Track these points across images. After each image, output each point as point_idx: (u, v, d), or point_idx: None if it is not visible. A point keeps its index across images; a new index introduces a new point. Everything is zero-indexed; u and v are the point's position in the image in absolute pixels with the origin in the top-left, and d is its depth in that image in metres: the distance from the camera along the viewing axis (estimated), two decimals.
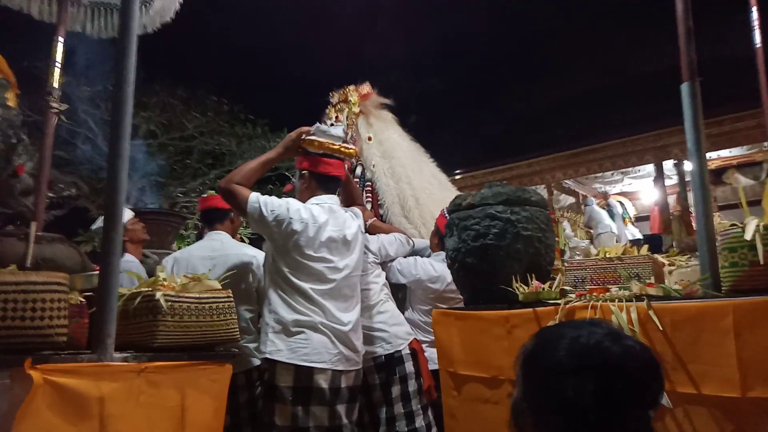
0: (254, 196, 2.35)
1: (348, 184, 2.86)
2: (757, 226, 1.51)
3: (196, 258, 2.74)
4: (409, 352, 2.76)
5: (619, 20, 9.78)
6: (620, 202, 8.33)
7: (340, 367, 2.25)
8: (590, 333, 0.93)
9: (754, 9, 3.57)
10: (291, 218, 2.30)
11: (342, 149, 2.53)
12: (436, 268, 3.06)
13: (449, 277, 2.94)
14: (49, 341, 1.40)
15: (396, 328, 2.79)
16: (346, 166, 3.50)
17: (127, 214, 3.42)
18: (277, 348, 2.20)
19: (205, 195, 3.01)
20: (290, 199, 2.42)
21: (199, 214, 3.27)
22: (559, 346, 0.93)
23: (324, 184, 2.52)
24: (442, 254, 3.12)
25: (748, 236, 1.51)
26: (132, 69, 1.71)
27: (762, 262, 1.49)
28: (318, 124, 2.53)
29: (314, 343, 2.20)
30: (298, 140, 2.49)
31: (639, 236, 7.70)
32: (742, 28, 3.84)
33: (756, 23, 3.59)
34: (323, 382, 2.19)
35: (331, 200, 2.50)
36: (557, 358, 0.92)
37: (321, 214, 2.38)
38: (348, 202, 2.85)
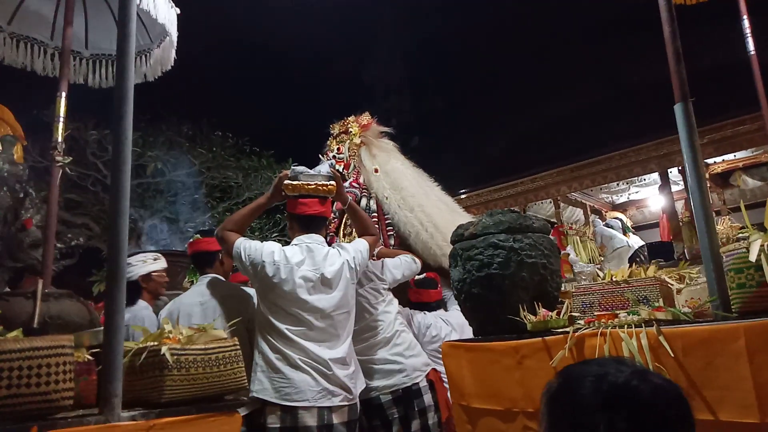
0: (238, 242, 2.42)
1: (355, 215, 2.82)
2: (762, 246, 1.49)
3: (187, 305, 2.70)
4: (426, 384, 2.73)
5: (617, 32, 9.85)
6: (617, 218, 8.34)
7: (326, 404, 2.22)
8: (617, 371, 0.93)
9: (745, 18, 3.59)
10: (264, 261, 2.34)
11: (319, 188, 2.55)
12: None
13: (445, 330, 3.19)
14: (55, 406, 1.40)
15: (413, 360, 2.76)
16: (351, 197, 3.51)
17: (161, 264, 3.33)
18: (263, 387, 2.22)
19: (192, 239, 2.96)
20: (267, 243, 2.46)
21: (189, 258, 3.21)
22: (585, 384, 0.93)
23: (303, 224, 2.55)
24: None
25: (752, 257, 1.48)
26: (129, 126, 1.73)
27: None
28: (294, 167, 2.58)
29: (295, 382, 2.21)
30: (279, 185, 2.55)
31: (642, 242, 7.74)
32: (737, 35, 3.86)
33: (748, 31, 3.61)
34: (310, 420, 2.19)
35: (311, 239, 2.50)
36: (586, 396, 0.92)
37: (295, 255, 2.39)
38: (360, 231, 2.82)
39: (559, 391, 0.99)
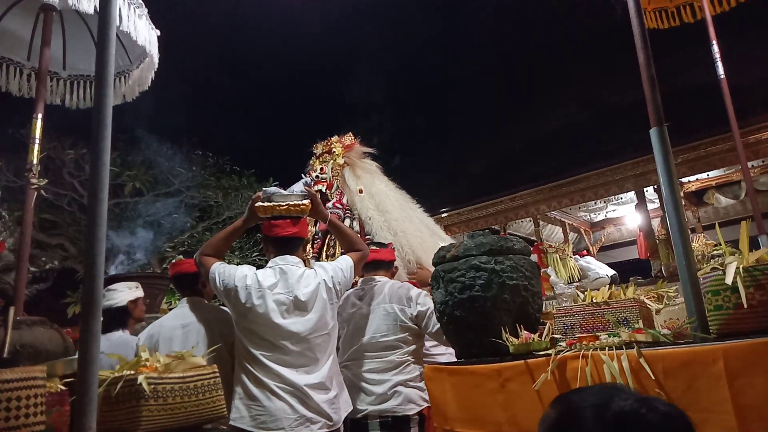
0: (213, 267, 2.38)
1: (338, 231, 2.72)
2: (737, 269, 1.51)
3: (168, 328, 2.63)
4: (417, 417, 2.68)
5: (595, 54, 10.11)
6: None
7: (304, 431, 2.17)
8: (621, 399, 0.90)
9: (714, 43, 3.71)
10: (236, 286, 2.30)
11: (291, 208, 2.48)
12: None
13: None
14: None
15: (413, 391, 2.71)
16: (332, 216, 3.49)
17: (139, 293, 3.26)
18: (240, 415, 2.18)
19: (174, 261, 2.95)
20: (241, 267, 2.42)
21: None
22: (586, 414, 0.89)
23: (277, 246, 2.48)
24: None
25: (728, 280, 1.51)
26: (107, 150, 1.70)
27: (746, 306, 1.49)
28: (265, 189, 2.52)
29: (272, 410, 2.16)
30: (252, 207, 2.50)
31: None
32: (708, 58, 3.99)
33: (717, 56, 3.73)
34: None
35: (285, 261, 2.42)
36: (589, 427, 0.88)
37: (267, 278, 2.34)
38: (346, 248, 2.71)
39: (559, 422, 0.94)
